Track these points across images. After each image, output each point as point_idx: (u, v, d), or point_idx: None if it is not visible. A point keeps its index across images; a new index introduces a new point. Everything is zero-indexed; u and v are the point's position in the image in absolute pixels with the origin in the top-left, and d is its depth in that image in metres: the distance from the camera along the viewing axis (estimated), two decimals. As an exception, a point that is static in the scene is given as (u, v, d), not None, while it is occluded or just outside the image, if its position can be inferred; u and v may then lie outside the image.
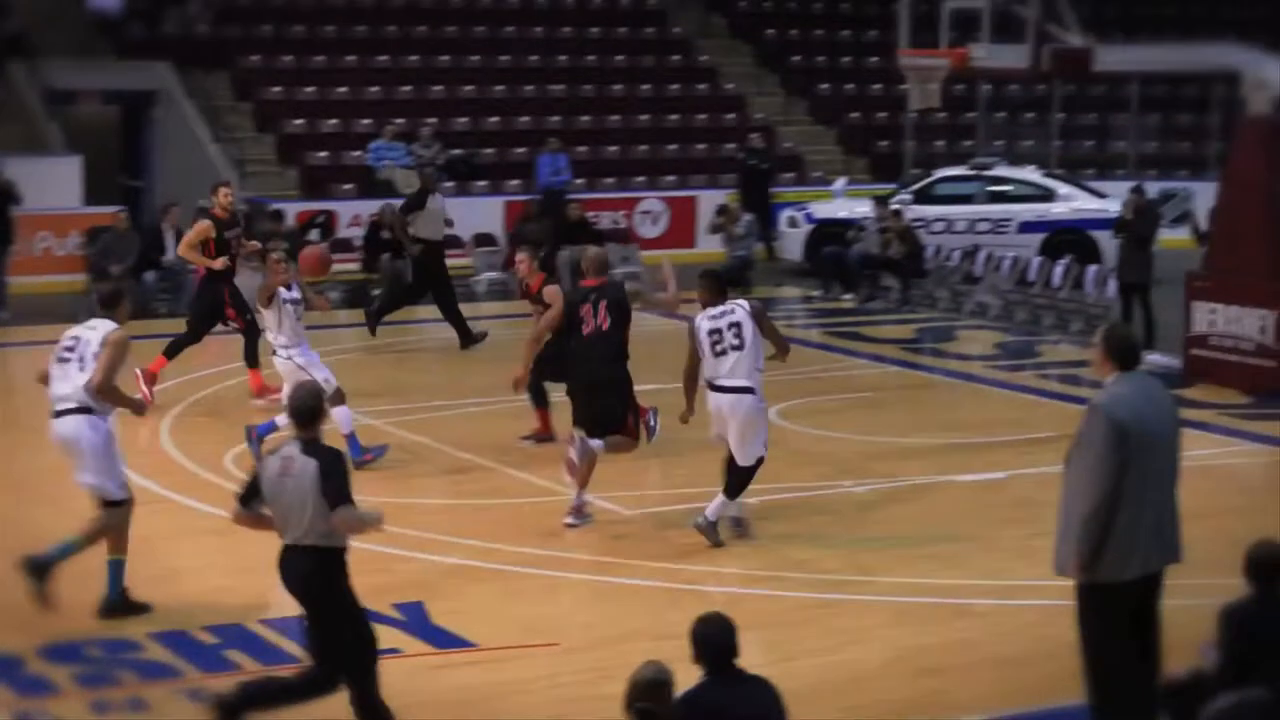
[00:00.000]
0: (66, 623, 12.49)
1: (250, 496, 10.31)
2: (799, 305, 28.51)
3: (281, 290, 17.51)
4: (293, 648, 11.93)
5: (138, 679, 11.50)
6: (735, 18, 41.22)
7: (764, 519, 15.55)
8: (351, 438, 17.01)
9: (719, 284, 14.77)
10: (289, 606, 12.67)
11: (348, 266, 28.97)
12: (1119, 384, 9.76)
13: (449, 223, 26.00)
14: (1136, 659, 9.84)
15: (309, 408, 10.14)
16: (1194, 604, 10.71)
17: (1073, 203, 30.23)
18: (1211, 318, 21.39)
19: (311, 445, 10.05)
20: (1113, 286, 24.84)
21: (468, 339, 23.88)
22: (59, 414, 12.98)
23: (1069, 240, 29.25)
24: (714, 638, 8.53)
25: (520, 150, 34.54)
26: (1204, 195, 27.95)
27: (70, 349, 13.04)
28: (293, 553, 10.19)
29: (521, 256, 17.76)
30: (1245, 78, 21.26)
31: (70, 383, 12.90)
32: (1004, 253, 27.59)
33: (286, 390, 16.56)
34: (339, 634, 10.14)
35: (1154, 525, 9.72)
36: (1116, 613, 9.82)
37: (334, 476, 9.97)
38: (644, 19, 39.99)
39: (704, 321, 14.40)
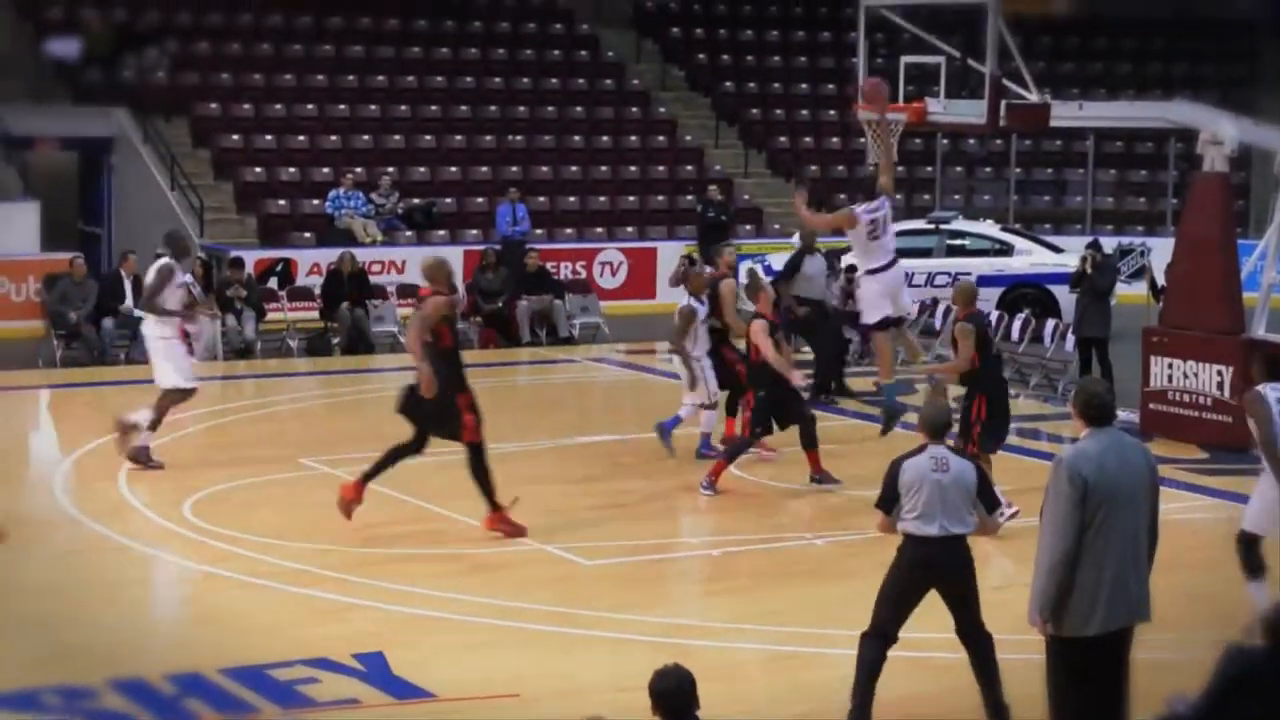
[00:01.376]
0: (22, 672, 12.40)
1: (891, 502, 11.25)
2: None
3: None
4: (251, 697, 11.90)
5: (95, 728, 11.43)
6: (693, 70, 41.35)
7: (725, 571, 15.56)
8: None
9: None
10: (247, 656, 12.74)
11: (306, 315, 28.99)
12: (1087, 440, 9.85)
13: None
14: (1099, 712, 9.88)
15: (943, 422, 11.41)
16: (1155, 658, 10.74)
17: (1030, 257, 30.36)
18: (1169, 372, 21.47)
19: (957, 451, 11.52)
20: (1071, 341, 24.95)
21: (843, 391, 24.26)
22: None
23: (1027, 295, 29.38)
24: (672, 690, 8.50)
25: (479, 200, 34.59)
26: (1160, 251, 28.06)
27: None
28: (954, 541, 11.14)
29: None
30: (1200, 134, 21.39)
31: None
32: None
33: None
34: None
35: (1118, 582, 9.73)
36: (1080, 666, 9.86)
37: (988, 483, 11.47)
38: (602, 71, 40.07)
39: None
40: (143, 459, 18.80)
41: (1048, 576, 9.73)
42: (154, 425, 18.91)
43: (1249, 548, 13.88)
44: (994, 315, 27.14)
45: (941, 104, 21.73)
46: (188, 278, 26.73)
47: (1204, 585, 15.57)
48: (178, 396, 19.11)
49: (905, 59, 22.28)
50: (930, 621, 11.57)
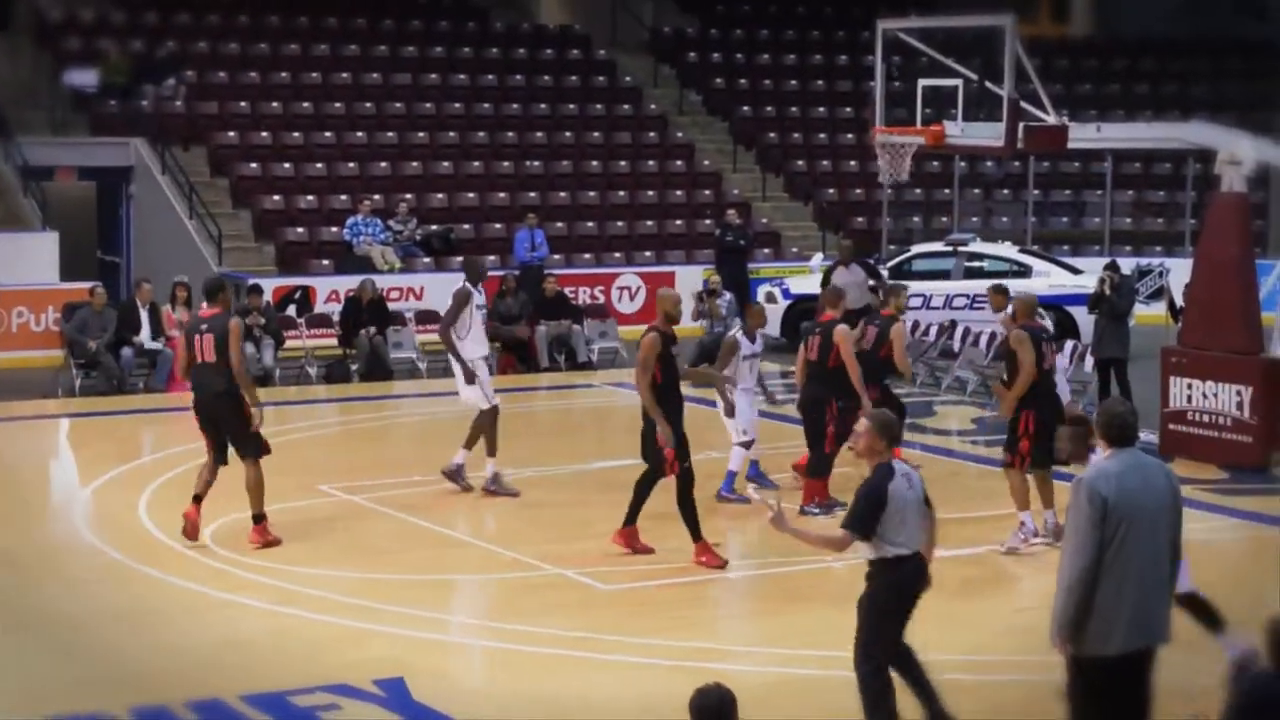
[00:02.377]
0: (44, 701, 12.41)
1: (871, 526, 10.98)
2: (779, 381, 28.51)
3: None
4: (272, 723, 11.92)
5: (117, 755, 11.43)
6: (710, 95, 41.41)
7: (743, 595, 15.53)
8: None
9: None
10: (269, 682, 12.73)
11: (326, 342, 29.04)
12: (1109, 460, 9.85)
13: (873, 289, 26.04)
14: None
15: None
16: (1176, 680, 10.70)
17: (1048, 278, 30.30)
18: (1188, 393, 21.43)
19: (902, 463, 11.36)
20: (1090, 362, 24.91)
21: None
22: None
23: (1045, 316, 29.27)
24: (713, 708, 8.45)
25: (497, 226, 34.63)
26: (1179, 271, 28.04)
27: None
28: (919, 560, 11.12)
29: None
30: (1219, 154, 21.35)
31: None
32: (981, 328, 27.63)
33: None
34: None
35: (1139, 603, 9.72)
36: (1100, 687, 9.83)
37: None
38: (620, 96, 40.14)
39: None
40: (459, 479, 19.20)
41: (1066, 595, 9.73)
42: (469, 444, 19.33)
43: None
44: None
45: (959, 126, 21.73)
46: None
47: (1226, 606, 15.49)
48: (491, 415, 19.21)
49: (923, 82, 22.29)
50: (943, 642, 11.54)
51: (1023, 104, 21.19)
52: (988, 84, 21.45)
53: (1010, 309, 18.10)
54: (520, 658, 13.68)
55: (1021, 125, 21.16)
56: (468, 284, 19.15)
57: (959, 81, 21.94)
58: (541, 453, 21.31)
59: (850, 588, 15.67)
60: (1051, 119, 21.34)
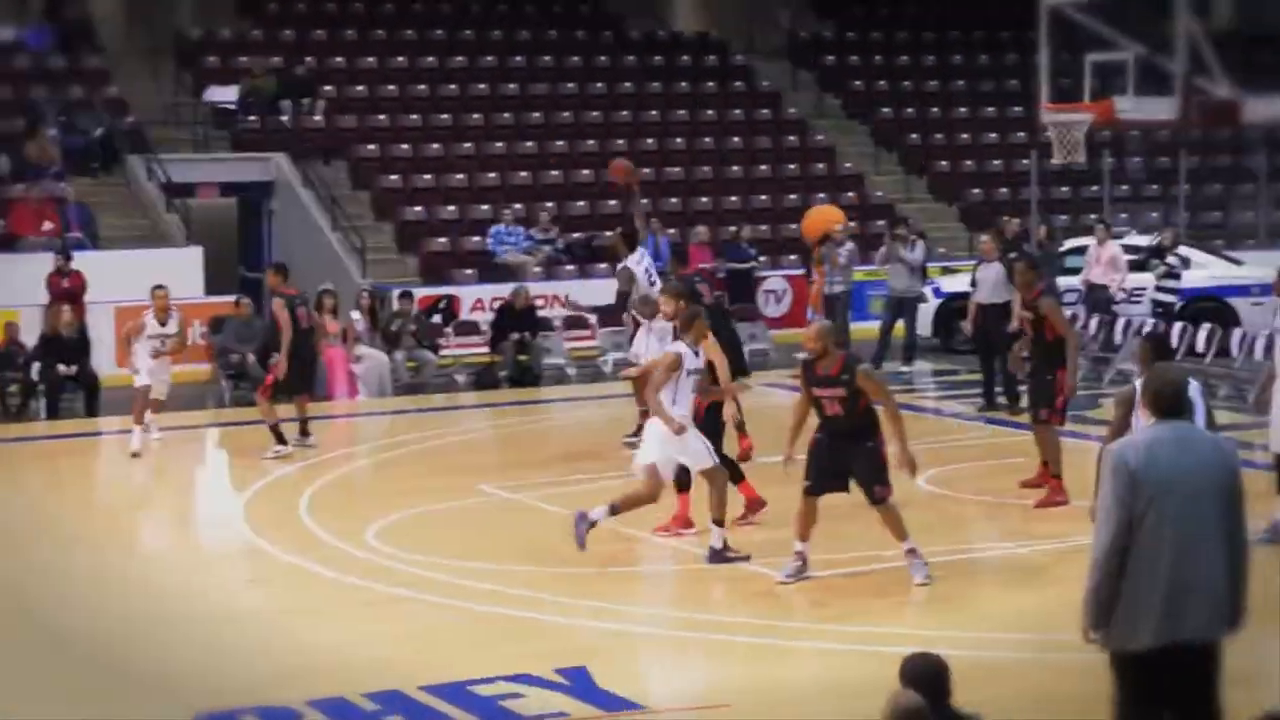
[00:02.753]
0: (222, 695, 12.13)
1: None
2: (931, 380, 28.06)
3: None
4: (456, 713, 11.54)
5: (300, 746, 11.10)
6: (850, 98, 40.96)
7: (945, 578, 15.03)
8: None
9: None
10: (447, 674, 12.38)
11: (471, 351, 28.86)
12: (1147, 431, 9.00)
13: None
14: None
15: None
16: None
17: (1208, 270, 29.60)
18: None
19: None
20: (1259, 350, 24.21)
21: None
22: None
23: (1207, 308, 28.59)
24: (926, 676, 8.03)
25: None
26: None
27: None
28: None
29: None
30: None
31: None
32: (1142, 320, 27.01)
33: None
34: None
35: (1173, 591, 8.67)
36: (1136, 683, 8.85)
37: None
38: (759, 101, 39.77)
39: None
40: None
41: (1091, 575, 8.78)
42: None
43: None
44: (1176, 327, 26.47)
45: (1130, 101, 21.11)
46: (354, 315, 26.84)
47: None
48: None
49: (1091, 56, 21.65)
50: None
51: (1196, 80, 20.57)
52: (1158, 58, 20.84)
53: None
54: (704, 645, 13.32)
55: (1194, 100, 20.56)
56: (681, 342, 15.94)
57: (1129, 54, 21.30)
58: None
59: (1040, 572, 15.35)
60: (1224, 92, 20.69)
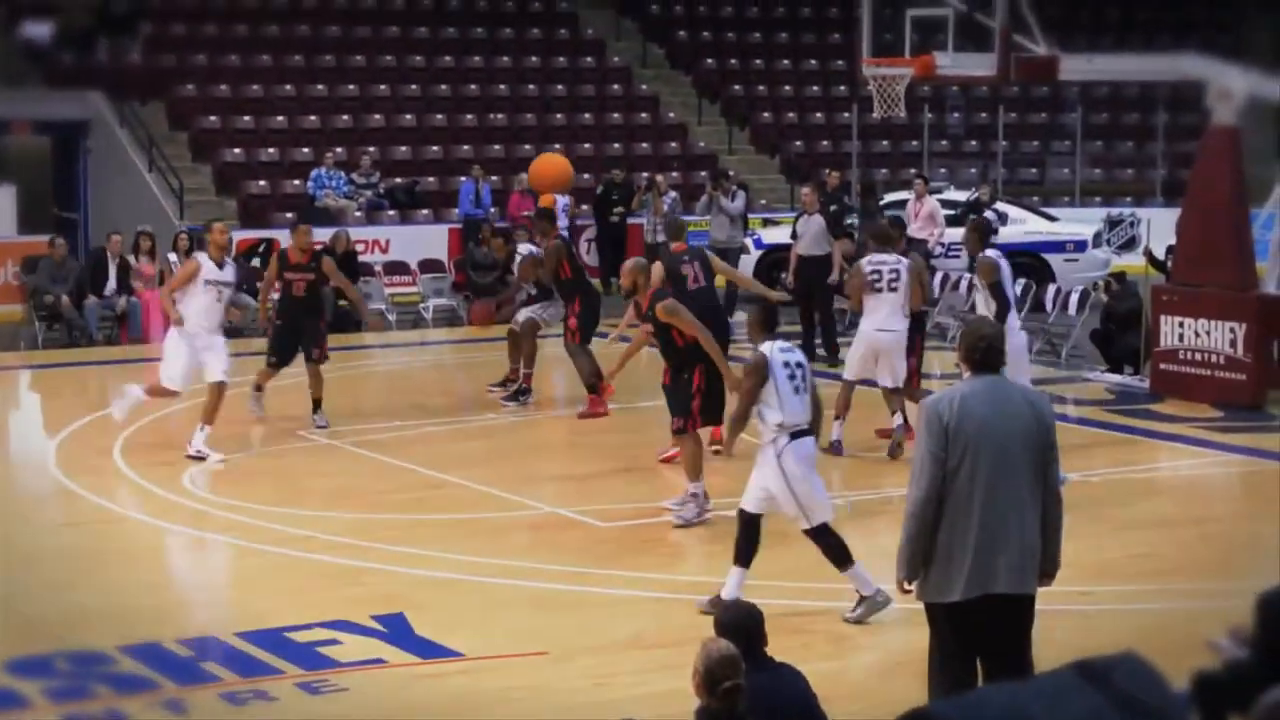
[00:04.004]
0: (31, 638, 11.95)
1: None
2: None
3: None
4: (271, 659, 11.45)
5: (112, 692, 10.94)
6: (674, 48, 40.95)
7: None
8: None
9: None
10: (262, 619, 12.28)
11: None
12: (963, 384, 8.99)
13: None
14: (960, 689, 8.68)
15: None
16: (1185, 607, 10.37)
17: (1024, 226, 29.98)
18: (1180, 331, 21.06)
19: None
20: (1073, 305, 24.61)
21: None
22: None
23: (1023, 264, 28.94)
24: (742, 623, 8.09)
25: (462, 179, 34.02)
26: (1158, 222, 27.65)
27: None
28: None
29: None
30: (1210, 87, 20.98)
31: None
32: (961, 274, 27.27)
33: None
34: None
35: (983, 544, 8.74)
36: (945, 635, 8.93)
37: None
38: (583, 49, 39.66)
39: None
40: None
41: (905, 525, 8.85)
42: None
43: None
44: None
45: (949, 57, 21.32)
46: (171, 257, 26.47)
47: (1227, 536, 15.29)
48: None
49: (911, 11, 21.84)
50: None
51: (1014, 36, 20.80)
52: (977, 15, 21.06)
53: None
54: (522, 592, 13.30)
55: (1013, 56, 20.79)
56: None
57: (949, 10, 21.50)
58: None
59: (856, 521, 15.50)
60: (1042, 49, 20.94)
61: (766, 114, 39.32)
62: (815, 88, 40.12)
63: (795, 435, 12.40)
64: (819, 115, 39.30)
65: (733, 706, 7.23)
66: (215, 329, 17.86)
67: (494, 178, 32.79)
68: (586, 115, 37.36)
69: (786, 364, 12.49)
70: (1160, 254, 24.10)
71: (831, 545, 12.50)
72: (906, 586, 9.02)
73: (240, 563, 14.15)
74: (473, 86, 36.97)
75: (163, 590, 13.27)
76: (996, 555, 8.75)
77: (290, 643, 11.81)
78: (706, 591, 12.76)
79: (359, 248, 29.64)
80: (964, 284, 25.92)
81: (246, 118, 34.41)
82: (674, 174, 35.28)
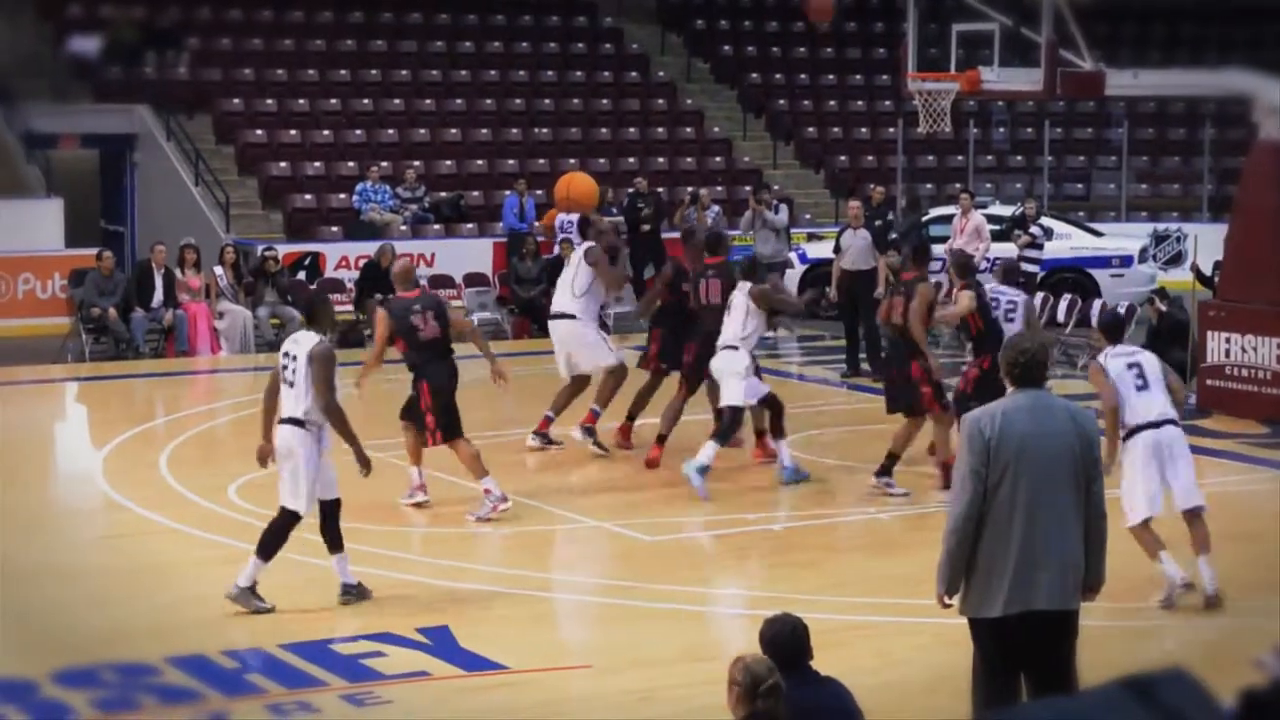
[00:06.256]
0: (77, 650, 12.01)
1: None
2: (795, 345, 28.17)
3: None
4: (317, 671, 11.49)
5: (158, 703, 11.00)
6: (719, 63, 40.97)
7: (789, 545, 15.15)
8: None
9: None
10: (308, 632, 12.33)
11: (339, 309, 28.61)
12: (1005, 399, 8.99)
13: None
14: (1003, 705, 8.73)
15: None
16: (1232, 623, 10.33)
17: (1069, 241, 29.91)
18: (1226, 347, 20.99)
19: None
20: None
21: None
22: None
23: (1067, 279, 28.91)
24: (786, 638, 8.08)
25: (506, 193, 34.04)
26: (1205, 238, 27.46)
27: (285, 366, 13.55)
28: None
29: None
30: (1256, 102, 20.91)
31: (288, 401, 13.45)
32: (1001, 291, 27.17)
33: None
34: None
35: (1026, 560, 8.71)
36: (987, 650, 8.93)
37: None
38: (627, 64, 39.71)
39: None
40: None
41: (946, 541, 8.84)
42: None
43: None
44: (1037, 298, 26.71)
45: (995, 72, 21.29)
46: (217, 270, 26.61)
47: (1274, 553, 15.20)
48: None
49: (957, 26, 21.82)
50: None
51: (1061, 52, 20.76)
52: (1024, 30, 21.03)
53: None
54: (566, 606, 13.38)
55: (1059, 72, 20.74)
56: None
57: (994, 26, 21.47)
58: (567, 412, 20.89)
59: (896, 536, 15.48)
60: (1088, 65, 20.90)
61: (811, 129, 39.29)
62: (860, 102, 40.09)
63: None
64: (864, 130, 39.25)
65: (775, 706, 7.23)
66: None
67: (538, 191, 32.78)
68: (631, 130, 37.40)
69: None
70: (1207, 270, 24.01)
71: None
72: (947, 601, 9.00)
73: (286, 575, 14.16)
74: (517, 101, 37.04)
75: (210, 603, 13.28)
76: (1037, 571, 8.73)
77: (335, 655, 11.87)
78: (754, 606, 12.77)
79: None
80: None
81: (292, 131, 34.52)
82: (718, 188, 35.30)
